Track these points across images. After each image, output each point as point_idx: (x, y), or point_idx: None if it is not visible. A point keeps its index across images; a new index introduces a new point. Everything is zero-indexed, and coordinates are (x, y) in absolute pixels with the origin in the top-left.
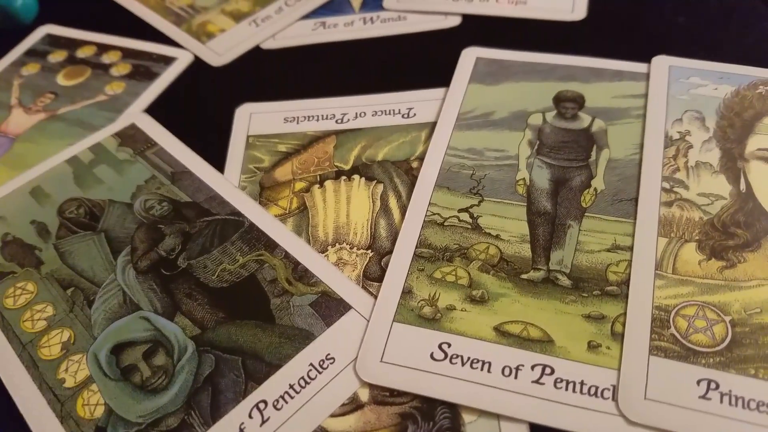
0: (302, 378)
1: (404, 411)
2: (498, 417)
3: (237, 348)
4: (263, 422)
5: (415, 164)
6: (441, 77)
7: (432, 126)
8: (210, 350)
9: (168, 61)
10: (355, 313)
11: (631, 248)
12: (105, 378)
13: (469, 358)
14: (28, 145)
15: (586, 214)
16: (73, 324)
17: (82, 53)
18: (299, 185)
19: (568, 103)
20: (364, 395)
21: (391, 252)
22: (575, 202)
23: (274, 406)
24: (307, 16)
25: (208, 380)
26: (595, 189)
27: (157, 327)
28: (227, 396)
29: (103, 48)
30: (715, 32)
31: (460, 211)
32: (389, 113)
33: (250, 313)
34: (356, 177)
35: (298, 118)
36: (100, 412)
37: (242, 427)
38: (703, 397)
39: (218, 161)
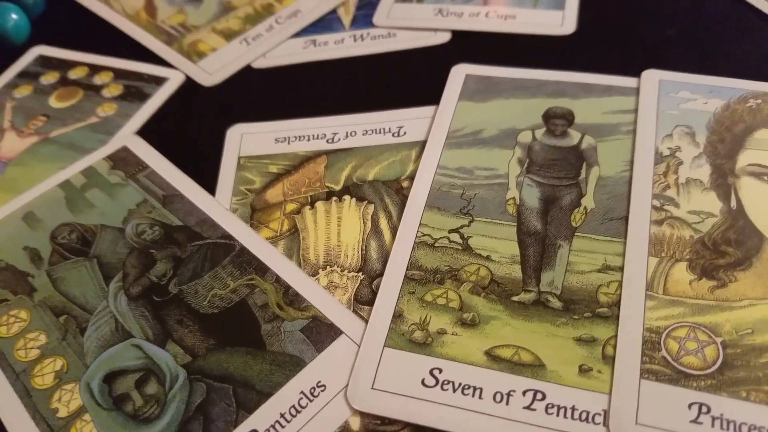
0: (293, 406)
1: None
2: None
3: (228, 376)
4: None
5: (405, 184)
6: (431, 95)
7: (422, 145)
8: (201, 378)
9: (159, 81)
10: (346, 338)
11: (621, 269)
12: (98, 407)
13: (460, 384)
14: (21, 169)
15: (576, 233)
16: (65, 352)
17: (74, 74)
18: (290, 207)
19: (557, 120)
20: (355, 424)
21: (381, 274)
22: (565, 221)
23: None
24: (297, 34)
25: (199, 409)
26: (585, 208)
27: (149, 355)
28: (218, 426)
29: (95, 69)
30: (705, 45)
31: (450, 231)
32: (379, 132)
33: (240, 340)
34: (347, 198)
35: (289, 138)
36: None
37: None
38: (695, 421)
39: (209, 183)
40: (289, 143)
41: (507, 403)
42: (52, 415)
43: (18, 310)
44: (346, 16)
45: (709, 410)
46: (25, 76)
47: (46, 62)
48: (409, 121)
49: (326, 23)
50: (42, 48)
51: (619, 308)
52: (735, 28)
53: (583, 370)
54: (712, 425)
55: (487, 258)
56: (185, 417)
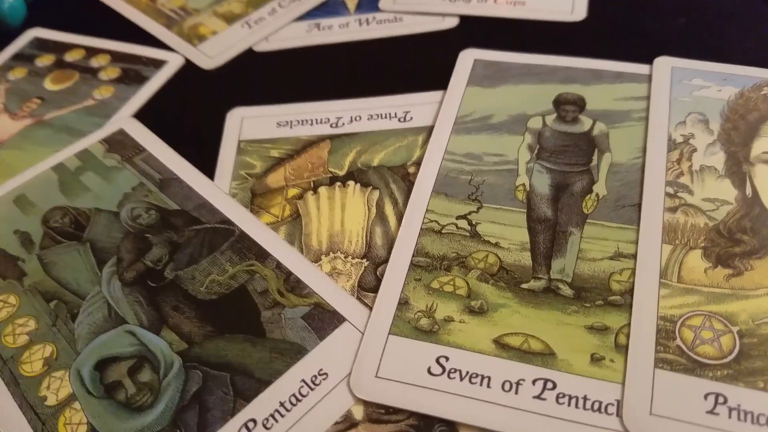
0: (293, 395)
1: (400, 429)
2: None
3: (225, 363)
4: None
5: (411, 170)
6: (438, 80)
7: (429, 130)
8: (197, 366)
9: (158, 64)
10: (350, 325)
11: (634, 256)
12: (88, 395)
13: (468, 373)
14: (14, 151)
15: (587, 220)
16: (55, 339)
17: (71, 57)
18: (292, 192)
19: (568, 106)
20: (359, 413)
21: (386, 261)
22: (576, 208)
23: (264, 425)
24: (301, 18)
25: (195, 398)
26: (597, 194)
27: (143, 342)
28: (215, 414)
29: (92, 51)
30: (716, 34)
31: (458, 218)
32: (385, 117)
33: (239, 327)
34: (351, 183)
35: (291, 122)
36: (82, 431)
37: None
38: (711, 411)
39: (208, 167)
40: (291, 127)
41: (516, 392)
42: (40, 403)
43: (7, 294)
44: (351, 0)
45: (725, 400)
46: (20, 58)
47: (41, 45)
48: (415, 107)
49: (331, 7)
50: (38, 30)
51: (632, 296)
52: (747, 18)
53: (595, 359)
54: (729, 416)
55: (496, 245)
56: (180, 405)
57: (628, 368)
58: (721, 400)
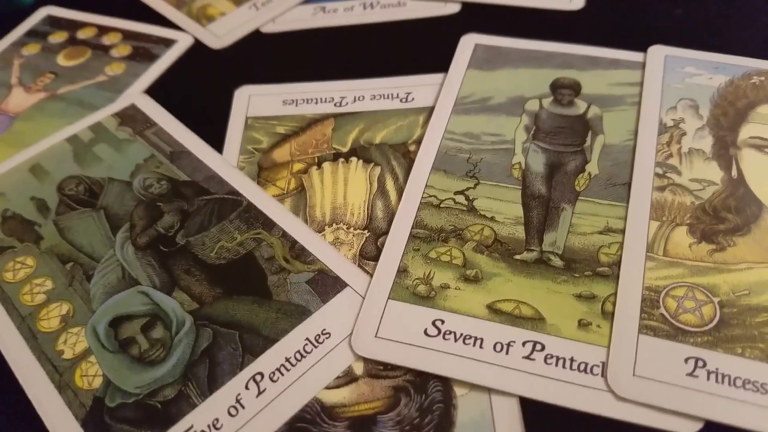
0: (298, 352)
1: (397, 384)
2: (489, 391)
3: (234, 322)
4: (259, 393)
5: (412, 147)
6: (440, 63)
7: (430, 110)
8: (208, 324)
9: (168, 43)
10: (351, 290)
11: (623, 231)
12: (103, 350)
13: (461, 334)
14: (28, 123)
15: (579, 197)
16: (72, 298)
17: (83, 34)
18: (297, 166)
19: (564, 90)
20: (359, 369)
21: (387, 232)
22: (569, 185)
23: (271, 378)
24: (307, 1)
25: (205, 353)
26: (590, 173)
27: (156, 301)
28: (224, 368)
29: (104, 30)
30: (711, 25)
31: (456, 193)
32: (388, 97)
33: (247, 290)
34: (354, 159)
35: (297, 100)
36: (98, 382)
37: (239, 398)
38: (691, 374)
39: (217, 142)
40: (296, 105)
41: (507, 353)
42: (57, 356)
43: (24, 257)
44: None
45: (705, 364)
46: (33, 35)
47: (54, 22)
48: (417, 88)
49: None
50: (50, 8)
51: (619, 268)
52: (742, 10)
53: (583, 325)
54: (708, 378)
55: (492, 219)
56: (191, 360)
57: (613, 333)
58: (700, 364)
